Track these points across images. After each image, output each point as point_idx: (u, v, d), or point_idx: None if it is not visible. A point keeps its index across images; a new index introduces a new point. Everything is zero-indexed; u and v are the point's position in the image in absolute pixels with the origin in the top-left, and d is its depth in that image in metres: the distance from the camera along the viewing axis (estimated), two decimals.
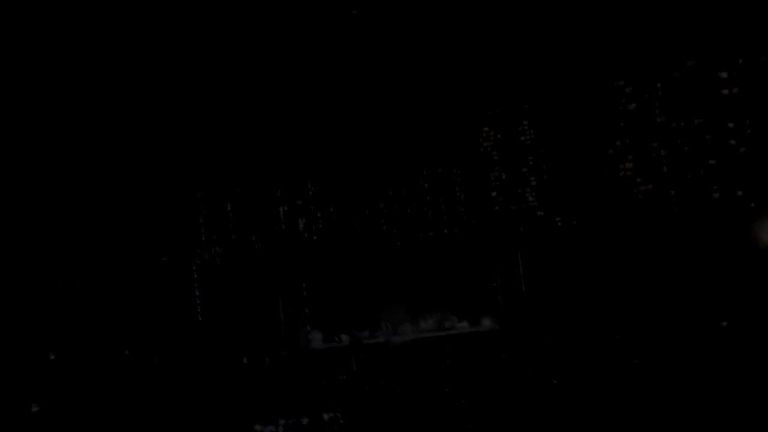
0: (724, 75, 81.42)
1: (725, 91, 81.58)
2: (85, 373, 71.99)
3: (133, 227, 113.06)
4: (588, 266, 77.96)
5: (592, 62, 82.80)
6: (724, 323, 52.61)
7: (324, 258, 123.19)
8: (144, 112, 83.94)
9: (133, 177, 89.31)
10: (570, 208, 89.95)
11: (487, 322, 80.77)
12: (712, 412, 28.81)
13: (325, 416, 37.00)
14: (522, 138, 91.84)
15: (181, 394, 55.76)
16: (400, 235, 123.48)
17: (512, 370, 48.42)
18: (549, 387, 36.93)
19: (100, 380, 70.61)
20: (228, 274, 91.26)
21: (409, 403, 39.28)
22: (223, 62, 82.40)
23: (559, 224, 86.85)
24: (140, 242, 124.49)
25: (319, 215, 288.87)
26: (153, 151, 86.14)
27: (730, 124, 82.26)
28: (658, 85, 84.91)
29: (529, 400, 34.33)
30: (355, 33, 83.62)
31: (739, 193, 79.39)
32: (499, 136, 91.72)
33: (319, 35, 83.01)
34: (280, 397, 48.09)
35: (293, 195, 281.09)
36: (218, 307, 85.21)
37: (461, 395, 39.24)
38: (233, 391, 52.53)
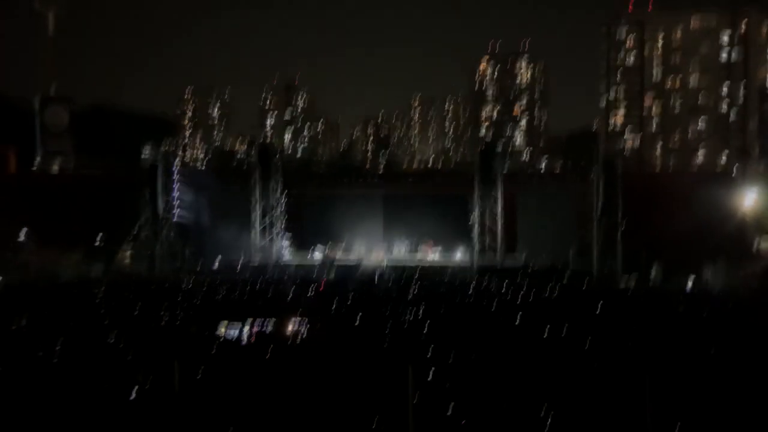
0: None
1: None
2: None
3: None
4: None
5: None
6: None
7: (306, 173, 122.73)
8: None
9: None
10: None
11: (458, 256, 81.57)
12: None
13: (290, 327, 37.22)
14: None
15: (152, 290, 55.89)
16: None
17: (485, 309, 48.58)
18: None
19: None
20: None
21: (373, 324, 39.53)
22: None
23: None
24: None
25: (305, 133, 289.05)
26: None
27: None
28: None
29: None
30: None
31: None
32: None
33: None
34: (247, 303, 48.36)
35: (282, 106, 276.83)
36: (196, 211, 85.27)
37: (424, 323, 39.48)
38: (202, 292, 52.77)
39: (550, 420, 22.59)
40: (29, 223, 77.41)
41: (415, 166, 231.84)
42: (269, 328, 37.33)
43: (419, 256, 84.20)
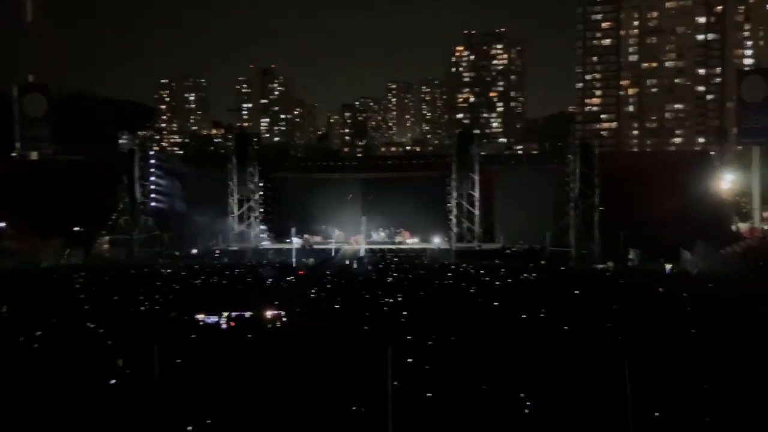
0: None
1: None
2: None
3: None
4: None
5: None
6: None
7: (284, 158, 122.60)
8: None
9: None
10: None
11: (437, 240, 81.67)
12: None
13: (269, 313, 37.19)
14: None
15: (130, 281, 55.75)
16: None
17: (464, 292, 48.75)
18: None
19: None
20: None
21: (353, 307, 39.66)
22: None
23: None
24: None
25: (282, 116, 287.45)
26: None
27: None
28: None
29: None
30: None
31: None
32: None
33: None
34: (224, 292, 48.30)
35: (259, 91, 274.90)
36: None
37: (404, 306, 39.65)
38: (178, 284, 52.62)
39: (529, 401, 22.71)
40: (8, 210, 77.07)
41: (393, 150, 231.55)
42: (248, 313, 37.32)
43: (398, 239, 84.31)
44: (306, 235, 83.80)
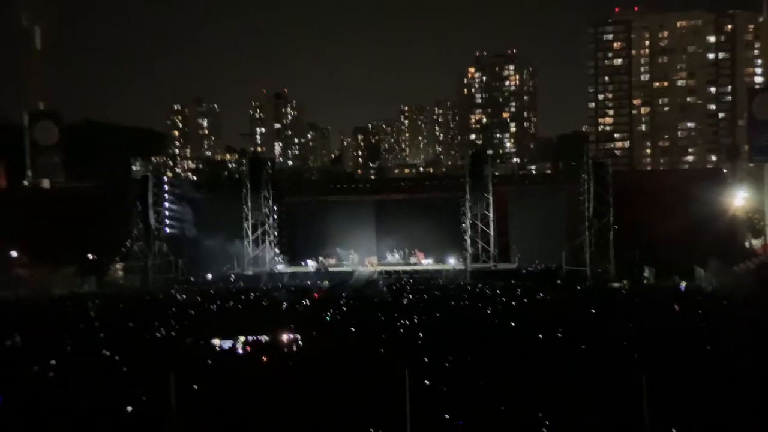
0: None
1: None
2: None
3: None
4: None
5: None
6: None
7: (297, 181, 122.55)
8: None
9: None
10: None
11: (452, 261, 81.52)
12: None
13: (285, 337, 37.03)
14: None
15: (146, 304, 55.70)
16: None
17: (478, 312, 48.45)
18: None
19: None
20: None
21: (369, 330, 39.47)
22: None
23: None
24: None
25: (295, 141, 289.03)
26: None
27: None
28: None
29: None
30: None
31: None
32: None
33: None
34: (240, 317, 48.14)
35: (272, 115, 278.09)
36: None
37: (420, 328, 39.43)
38: (193, 309, 52.48)
39: (548, 420, 22.58)
40: (21, 239, 77.16)
41: (406, 171, 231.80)
42: (264, 338, 37.15)
43: (413, 261, 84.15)
44: (321, 258, 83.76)
